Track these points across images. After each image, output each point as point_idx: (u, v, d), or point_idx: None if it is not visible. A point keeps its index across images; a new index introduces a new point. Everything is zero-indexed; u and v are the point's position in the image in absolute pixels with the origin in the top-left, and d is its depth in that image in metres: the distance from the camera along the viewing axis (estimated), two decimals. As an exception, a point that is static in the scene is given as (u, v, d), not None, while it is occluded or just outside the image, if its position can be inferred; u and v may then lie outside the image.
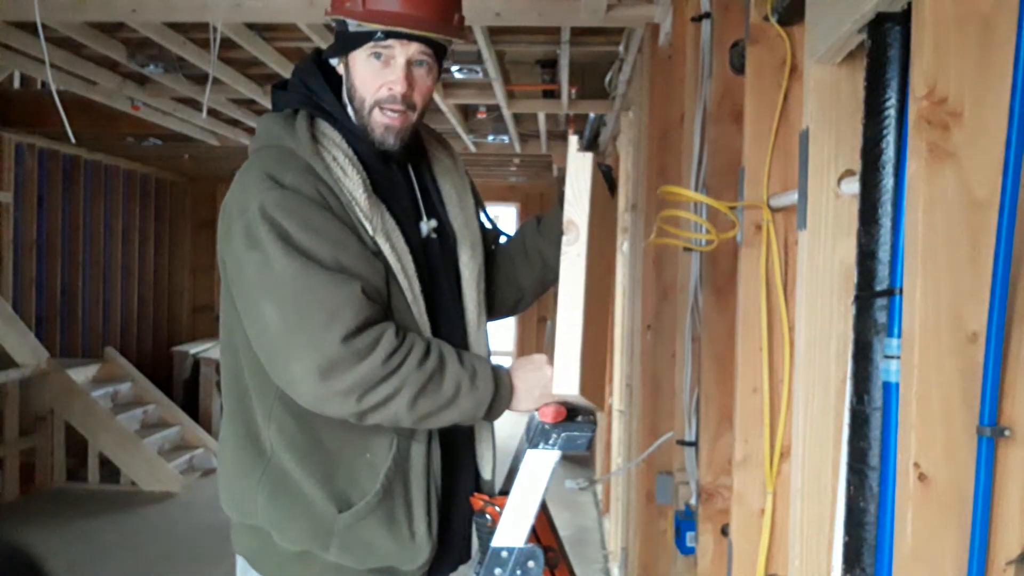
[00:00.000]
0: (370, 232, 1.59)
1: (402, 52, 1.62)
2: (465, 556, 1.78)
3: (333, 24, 1.68)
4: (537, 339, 10.22)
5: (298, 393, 1.53)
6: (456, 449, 1.73)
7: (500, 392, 1.60)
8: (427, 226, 1.73)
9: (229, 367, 1.70)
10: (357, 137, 1.66)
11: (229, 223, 1.59)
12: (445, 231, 1.76)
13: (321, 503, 1.60)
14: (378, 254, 1.59)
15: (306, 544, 1.63)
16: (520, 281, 1.91)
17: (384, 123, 1.65)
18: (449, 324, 1.72)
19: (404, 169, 1.75)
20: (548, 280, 1.90)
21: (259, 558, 1.71)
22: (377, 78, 1.63)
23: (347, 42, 1.64)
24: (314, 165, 1.59)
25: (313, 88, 1.68)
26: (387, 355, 1.50)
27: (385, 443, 1.62)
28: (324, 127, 1.65)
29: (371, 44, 1.62)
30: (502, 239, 1.95)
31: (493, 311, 1.90)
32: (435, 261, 1.72)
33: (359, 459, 1.61)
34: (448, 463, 1.70)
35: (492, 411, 1.61)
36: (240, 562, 1.77)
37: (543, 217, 1.89)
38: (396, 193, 1.70)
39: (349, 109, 1.68)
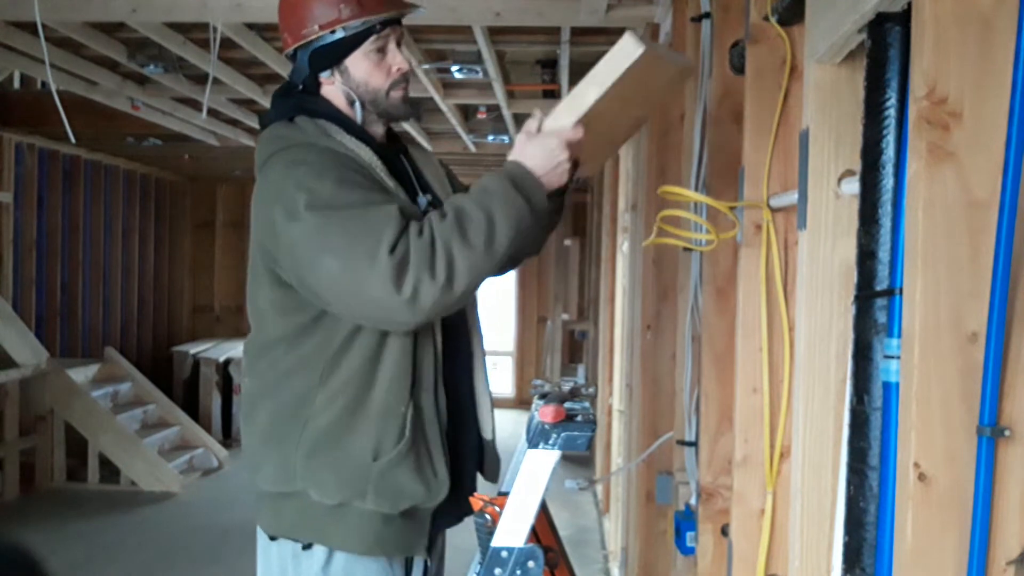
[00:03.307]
0: (392, 190, 1.77)
1: (393, 36, 1.86)
2: (469, 510, 1.86)
3: (309, 44, 1.82)
4: (537, 339, 10.23)
5: (394, 312, 1.63)
6: (461, 407, 1.90)
7: (515, 175, 1.68)
8: (424, 199, 1.90)
9: (261, 358, 1.83)
10: (355, 131, 1.84)
11: (270, 216, 1.72)
12: (436, 208, 1.92)
13: (359, 453, 1.74)
14: None
15: (344, 495, 1.76)
16: None
17: (400, 96, 1.88)
18: None
19: (398, 157, 1.94)
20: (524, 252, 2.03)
21: (294, 525, 1.82)
22: (382, 67, 1.85)
23: (345, 47, 1.82)
24: (331, 146, 1.78)
25: (301, 99, 1.86)
26: (418, 233, 1.63)
27: (406, 396, 1.76)
28: (323, 123, 1.83)
29: (372, 39, 1.82)
30: None
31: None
32: None
33: (392, 411, 1.75)
34: (454, 418, 1.85)
35: (527, 192, 1.67)
36: (263, 542, 1.87)
37: None
38: (396, 173, 1.86)
39: (357, 107, 1.85)
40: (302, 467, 1.77)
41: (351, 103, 1.86)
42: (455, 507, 1.86)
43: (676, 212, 1.99)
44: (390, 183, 1.78)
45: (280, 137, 1.81)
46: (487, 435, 1.96)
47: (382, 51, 1.84)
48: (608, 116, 1.76)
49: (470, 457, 1.92)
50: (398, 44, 1.87)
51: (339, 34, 1.80)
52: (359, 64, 1.83)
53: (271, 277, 1.78)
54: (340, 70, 1.84)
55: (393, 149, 1.94)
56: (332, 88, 1.86)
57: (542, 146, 1.70)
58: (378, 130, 1.91)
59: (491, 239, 1.64)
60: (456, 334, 1.90)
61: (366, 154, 1.79)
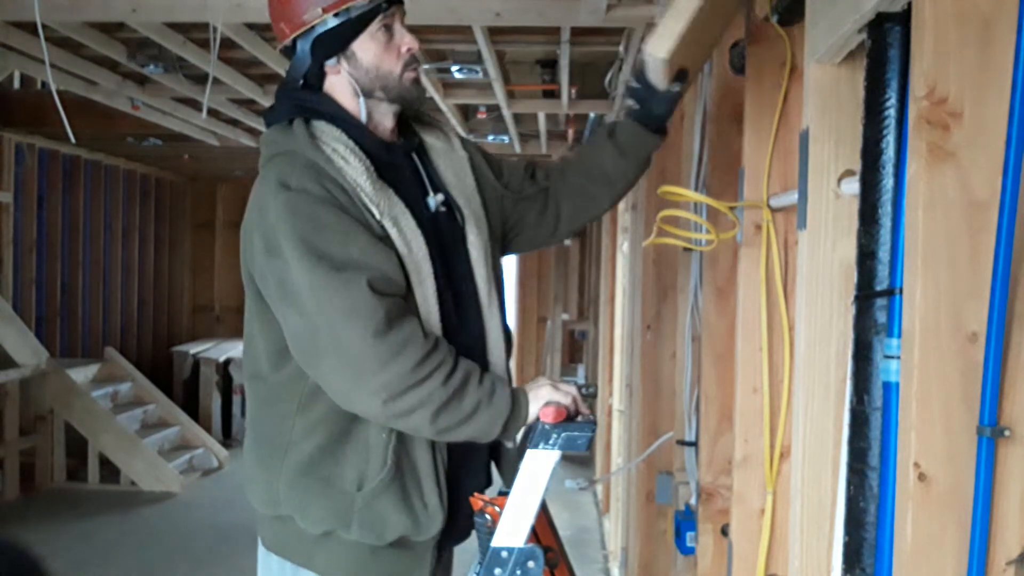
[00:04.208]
0: (377, 217, 1.64)
1: (398, 14, 1.74)
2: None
3: (310, 32, 1.71)
4: (537, 339, 10.22)
5: (330, 391, 1.63)
6: None
7: (516, 409, 1.65)
8: (435, 200, 1.78)
9: (250, 375, 1.79)
10: (358, 129, 1.73)
11: (251, 236, 1.67)
12: (451, 206, 1.81)
13: (341, 483, 1.68)
14: (386, 239, 1.64)
15: (328, 524, 1.69)
16: (596, 196, 2.00)
17: (412, 77, 1.76)
18: (464, 298, 1.77)
19: (408, 155, 1.81)
20: (632, 178, 2.00)
21: (286, 546, 1.77)
22: (392, 47, 1.73)
23: (353, 29, 1.70)
24: (316, 160, 1.65)
25: (301, 98, 1.75)
26: (416, 363, 1.57)
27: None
28: (322, 126, 1.71)
29: (380, 18, 1.70)
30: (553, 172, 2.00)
31: (561, 233, 2.04)
32: (445, 236, 1.77)
33: (375, 438, 1.67)
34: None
35: (508, 428, 1.66)
36: (262, 553, 1.82)
37: (617, 125, 1.93)
38: (401, 176, 1.76)
39: (361, 101, 1.73)
40: (285, 495, 1.71)
41: (357, 95, 1.73)
42: (464, 527, 1.79)
43: (676, 212, 1.99)
44: (375, 209, 1.63)
45: (272, 142, 1.73)
46: (508, 443, 1.81)
47: (389, 30, 1.72)
48: (702, 19, 1.72)
49: (476, 476, 1.81)
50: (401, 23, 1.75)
51: (343, 17, 1.68)
52: (367, 47, 1.71)
53: (255, 285, 1.70)
54: (347, 56, 1.72)
55: (405, 145, 1.81)
56: (338, 79, 1.73)
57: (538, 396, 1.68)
58: (387, 123, 1.78)
59: (450, 429, 1.62)
60: (471, 346, 1.75)
61: (353, 170, 1.65)
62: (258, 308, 1.72)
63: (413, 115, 1.87)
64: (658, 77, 1.76)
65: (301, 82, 1.75)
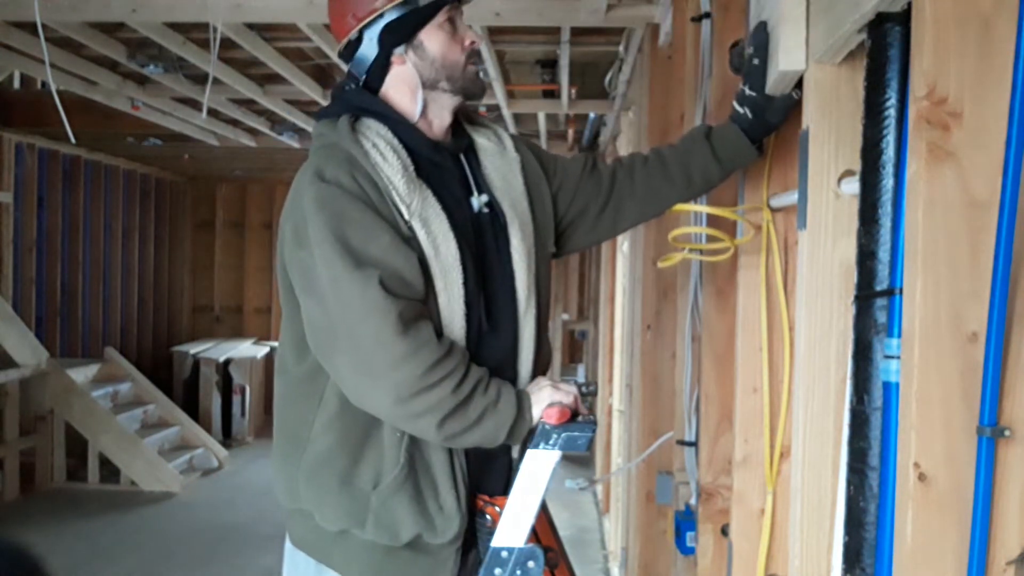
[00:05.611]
0: (406, 216, 1.63)
1: (459, 11, 1.76)
2: None
3: (376, 21, 1.70)
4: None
5: (343, 385, 1.64)
6: None
7: (521, 415, 1.65)
8: (478, 201, 1.77)
9: (277, 368, 1.81)
10: (406, 128, 1.73)
11: (285, 224, 1.69)
12: (495, 209, 1.78)
13: (358, 481, 1.67)
14: (412, 239, 1.63)
15: (344, 523, 1.69)
16: (666, 197, 1.92)
17: (475, 71, 1.77)
18: (499, 304, 1.74)
19: (455, 157, 1.80)
20: (713, 186, 1.91)
21: (308, 543, 1.77)
22: (456, 41, 1.74)
23: (420, 17, 1.71)
24: (353, 152, 1.66)
25: (353, 97, 1.76)
26: (428, 367, 1.56)
27: None
28: (368, 121, 1.72)
29: (446, 9, 1.72)
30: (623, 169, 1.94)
31: (620, 230, 2.03)
32: (487, 238, 1.75)
33: (388, 437, 1.66)
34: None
35: (513, 434, 1.65)
36: (289, 549, 1.83)
37: (716, 129, 1.85)
38: (445, 176, 1.75)
39: (420, 95, 1.73)
40: (304, 490, 1.71)
41: (417, 89, 1.74)
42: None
43: (686, 230, 2.00)
44: (404, 208, 1.63)
45: (319, 135, 1.75)
46: (515, 453, 1.78)
47: (453, 24, 1.73)
48: None
49: (497, 479, 1.76)
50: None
51: (411, 5, 1.69)
52: (434, 37, 1.72)
53: (286, 275, 1.71)
54: (414, 46, 1.72)
55: (453, 145, 1.79)
56: (402, 70, 1.73)
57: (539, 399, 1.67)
58: (445, 118, 1.78)
59: (455, 436, 1.61)
60: (502, 354, 1.73)
61: (389, 167, 1.64)
62: (286, 298, 1.73)
63: (466, 117, 1.87)
64: (781, 87, 1.69)
65: (363, 78, 1.75)
